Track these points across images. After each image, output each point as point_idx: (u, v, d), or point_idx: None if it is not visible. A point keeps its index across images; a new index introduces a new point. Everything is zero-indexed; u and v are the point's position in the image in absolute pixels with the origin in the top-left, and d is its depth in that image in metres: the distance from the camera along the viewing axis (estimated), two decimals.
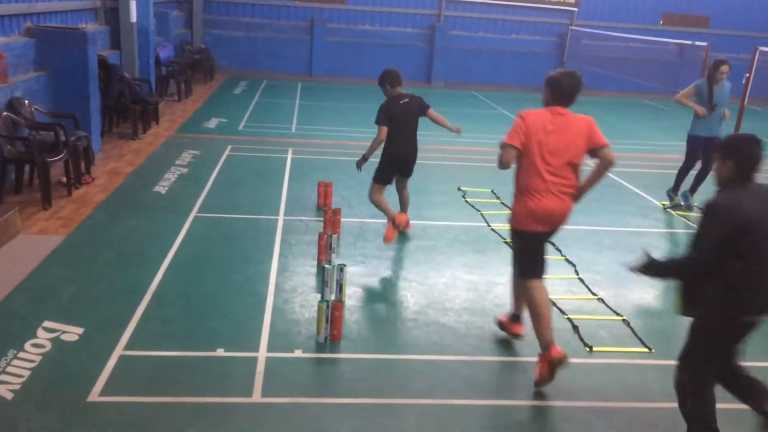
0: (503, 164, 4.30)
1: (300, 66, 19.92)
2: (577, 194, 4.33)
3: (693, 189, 8.51)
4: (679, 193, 8.56)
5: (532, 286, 4.37)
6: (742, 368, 3.70)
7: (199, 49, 18.10)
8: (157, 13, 14.26)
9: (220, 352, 4.46)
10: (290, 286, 5.58)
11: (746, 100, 11.26)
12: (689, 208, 8.42)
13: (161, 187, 8.07)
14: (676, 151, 12.03)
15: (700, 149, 8.24)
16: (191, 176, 8.64)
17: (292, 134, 11.78)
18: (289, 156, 9.98)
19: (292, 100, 15.45)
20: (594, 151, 4.28)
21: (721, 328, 3.46)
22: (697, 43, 13.77)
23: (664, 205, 8.62)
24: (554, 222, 4.33)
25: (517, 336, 4.82)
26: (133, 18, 12.16)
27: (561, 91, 4.30)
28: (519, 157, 4.25)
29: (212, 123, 12.27)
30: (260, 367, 4.30)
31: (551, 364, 4.16)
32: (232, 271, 5.80)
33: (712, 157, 7.38)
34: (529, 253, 4.42)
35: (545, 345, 4.24)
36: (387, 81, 6.61)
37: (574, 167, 4.27)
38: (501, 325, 4.91)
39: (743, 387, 3.69)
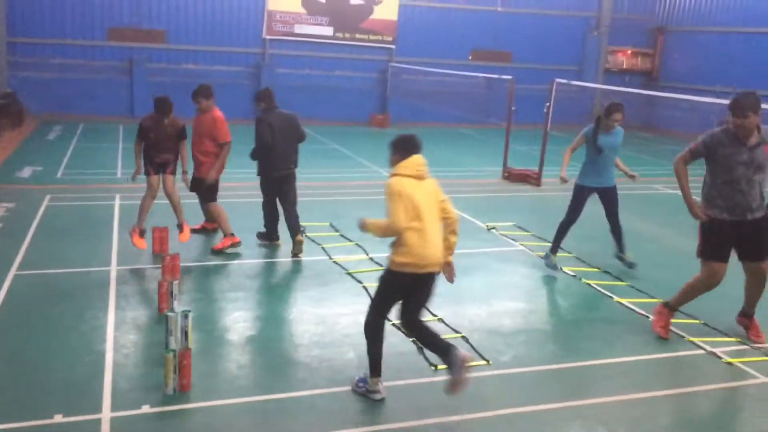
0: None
1: (120, 107, 19.05)
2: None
3: (620, 247, 7.71)
4: (620, 254, 7.68)
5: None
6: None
7: (4, 93, 16.70)
8: None
9: (58, 418, 4.16)
10: (130, 339, 5.33)
11: (549, 126, 12.55)
12: (632, 266, 7.59)
13: None
14: (493, 176, 13.11)
15: (586, 200, 7.48)
16: (6, 231, 7.95)
17: (118, 179, 11.23)
18: (117, 202, 9.51)
19: (114, 143, 14.72)
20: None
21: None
22: (503, 76, 15.12)
23: (488, 226, 9.32)
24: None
25: None
26: None
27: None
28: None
29: (26, 172, 11.36)
30: (105, 429, 4.06)
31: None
32: (64, 329, 5.42)
33: (613, 206, 7.50)
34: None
35: None
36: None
37: None
38: None
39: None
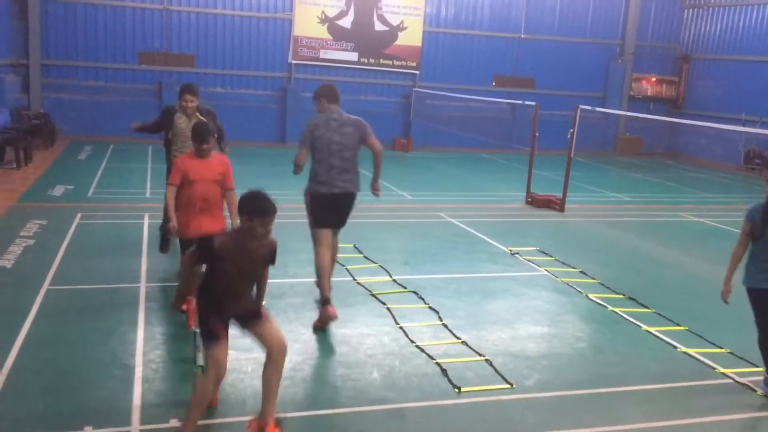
0: None
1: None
2: None
3: None
4: None
5: None
6: None
7: (37, 114, 17.16)
8: None
9: (89, 430, 4.25)
10: (159, 354, 5.43)
11: (572, 152, 12.57)
12: None
13: (6, 261, 7.54)
14: (516, 201, 13.14)
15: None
16: (39, 247, 8.14)
17: (146, 199, 11.45)
18: (146, 221, 9.69)
19: (143, 164, 15.00)
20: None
21: None
22: (526, 102, 15.20)
23: (511, 250, 9.33)
24: None
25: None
26: None
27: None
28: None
29: (58, 190, 11.63)
30: None
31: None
32: (95, 344, 5.54)
33: None
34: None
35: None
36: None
37: None
38: None
39: None
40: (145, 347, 5.52)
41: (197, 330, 4.85)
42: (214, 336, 4.01)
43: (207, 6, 20.08)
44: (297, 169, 6.48)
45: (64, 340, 5.61)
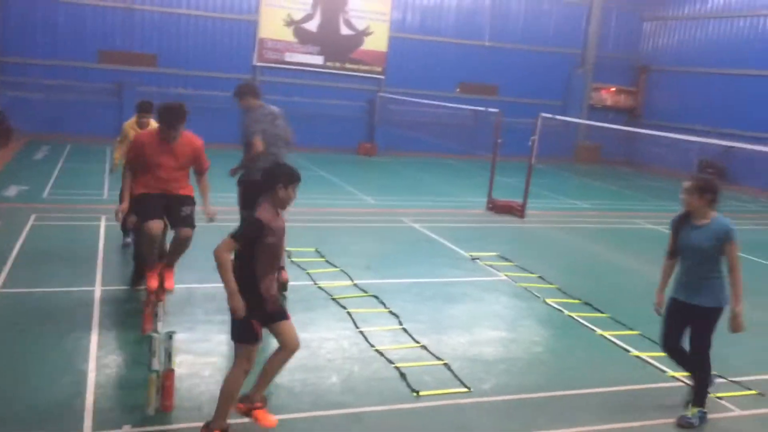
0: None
1: (109, 129, 18.99)
2: None
3: None
4: None
5: None
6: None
7: None
8: None
9: None
10: (114, 359, 5.34)
11: (534, 159, 12.76)
12: None
13: None
14: (478, 207, 13.27)
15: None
16: None
17: (104, 200, 11.24)
18: (103, 223, 9.51)
19: (101, 164, 14.73)
20: None
21: None
22: (489, 109, 15.37)
23: (472, 255, 9.42)
24: None
25: None
26: None
27: None
28: None
29: (11, 191, 11.35)
30: None
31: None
32: (48, 349, 5.42)
33: None
34: None
35: None
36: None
37: None
38: None
39: None
40: (99, 352, 5.42)
41: (153, 335, 4.80)
42: (255, 337, 4.21)
43: (171, 5, 19.85)
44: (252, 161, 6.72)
45: (16, 345, 5.47)
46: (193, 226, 6.05)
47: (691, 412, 5.01)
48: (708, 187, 4.88)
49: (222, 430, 4.21)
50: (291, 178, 4.25)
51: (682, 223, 5.05)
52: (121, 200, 6.41)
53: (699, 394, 5.06)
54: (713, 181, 4.99)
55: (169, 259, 6.21)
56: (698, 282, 4.95)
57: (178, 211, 5.98)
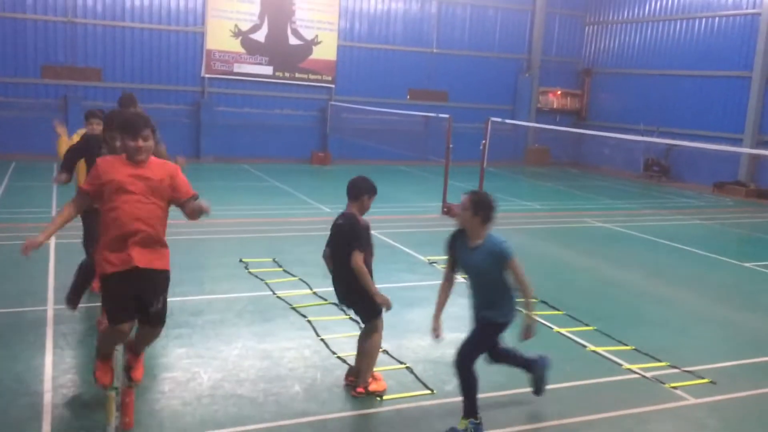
0: None
1: (54, 146, 18.55)
2: None
3: None
4: None
5: None
6: None
7: None
8: None
9: None
10: (70, 379, 5.22)
11: (485, 162, 12.96)
12: None
13: None
14: (433, 211, 13.40)
15: None
16: None
17: (52, 218, 10.92)
18: (53, 241, 9.24)
19: (48, 182, 14.31)
20: None
21: None
22: (440, 115, 15.57)
23: (429, 259, 9.51)
24: None
25: None
26: None
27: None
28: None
29: None
30: None
31: None
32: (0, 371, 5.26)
33: None
34: None
35: None
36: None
37: None
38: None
39: None
40: (54, 372, 5.29)
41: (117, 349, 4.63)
42: (380, 311, 5.19)
43: (114, 19, 19.50)
44: None
45: None
46: (163, 323, 4.58)
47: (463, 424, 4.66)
48: (482, 204, 4.58)
49: (366, 386, 5.18)
50: (375, 190, 5.31)
51: (456, 241, 4.74)
52: (43, 231, 4.55)
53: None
54: (488, 197, 4.67)
55: (136, 347, 4.67)
56: (489, 302, 4.75)
57: (148, 306, 4.38)
